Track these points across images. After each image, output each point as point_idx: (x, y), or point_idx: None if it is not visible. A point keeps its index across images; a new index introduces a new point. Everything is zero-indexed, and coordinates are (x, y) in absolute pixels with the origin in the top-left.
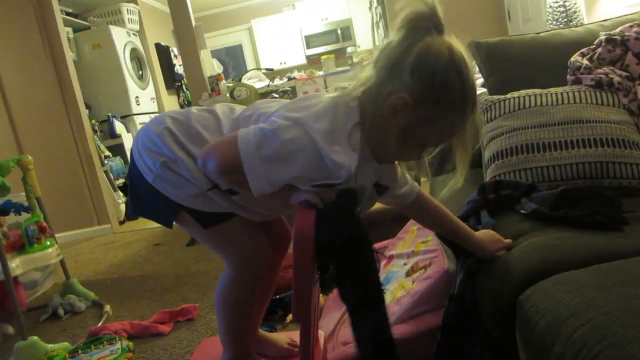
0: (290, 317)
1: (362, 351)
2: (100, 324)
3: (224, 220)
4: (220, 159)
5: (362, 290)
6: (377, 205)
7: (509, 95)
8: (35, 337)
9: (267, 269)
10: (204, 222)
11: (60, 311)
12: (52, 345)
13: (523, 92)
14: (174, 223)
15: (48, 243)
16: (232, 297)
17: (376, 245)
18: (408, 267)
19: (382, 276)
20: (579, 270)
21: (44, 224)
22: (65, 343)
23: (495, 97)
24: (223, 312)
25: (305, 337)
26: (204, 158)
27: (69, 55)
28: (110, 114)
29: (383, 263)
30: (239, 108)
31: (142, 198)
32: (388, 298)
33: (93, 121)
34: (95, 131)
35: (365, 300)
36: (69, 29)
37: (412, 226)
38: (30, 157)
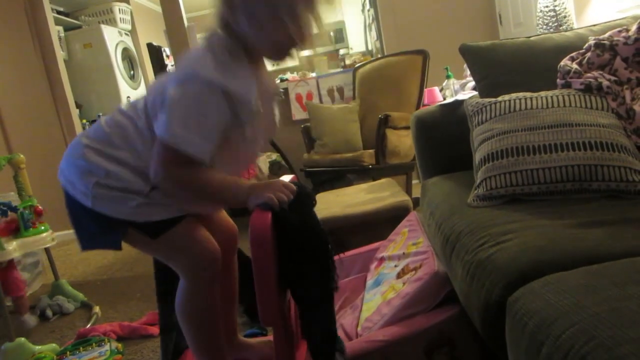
0: None
1: (314, 343)
2: (89, 325)
3: (171, 226)
4: (165, 166)
5: (322, 288)
6: (370, 207)
7: (499, 99)
8: (23, 339)
9: (219, 269)
10: (151, 233)
11: (49, 312)
12: (39, 347)
13: (514, 95)
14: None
15: (42, 228)
16: (194, 306)
17: (368, 248)
18: (399, 269)
19: (373, 278)
20: (568, 272)
21: (39, 207)
22: (53, 344)
23: (486, 100)
24: (189, 324)
25: (278, 340)
26: (155, 179)
27: (60, 55)
28: (101, 114)
29: (374, 265)
30: (139, 101)
31: (88, 230)
32: (379, 300)
33: (84, 121)
34: None
35: (325, 297)
36: (60, 28)
37: (403, 228)
38: (22, 155)
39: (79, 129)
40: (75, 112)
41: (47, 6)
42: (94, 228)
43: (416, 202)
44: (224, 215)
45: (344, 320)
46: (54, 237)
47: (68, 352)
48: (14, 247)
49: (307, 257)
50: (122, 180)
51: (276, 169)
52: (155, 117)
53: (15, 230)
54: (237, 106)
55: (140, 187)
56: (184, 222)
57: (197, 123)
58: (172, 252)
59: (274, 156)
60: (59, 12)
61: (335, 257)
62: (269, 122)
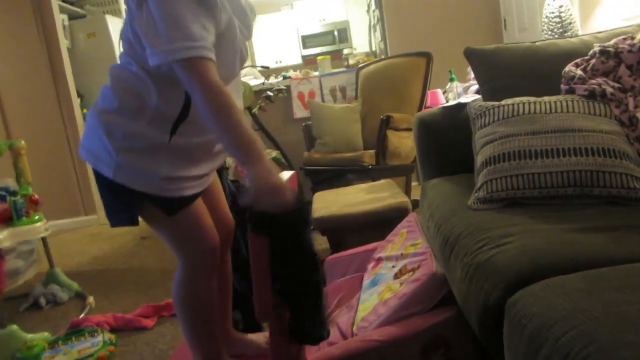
0: None
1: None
2: (82, 315)
3: (186, 206)
4: (194, 80)
5: (315, 297)
6: (369, 208)
7: (503, 102)
8: (15, 326)
9: (216, 260)
10: (169, 210)
11: (42, 301)
12: (31, 335)
13: (517, 99)
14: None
15: (37, 217)
16: (189, 294)
17: (365, 247)
18: (396, 270)
19: (370, 278)
20: (568, 275)
21: (35, 196)
22: (46, 333)
23: (490, 103)
24: (185, 312)
25: (274, 335)
26: (195, 95)
27: (64, 43)
28: None
29: (371, 265)
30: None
31: (111, 205)
32: (375, 300)
33: (84, 111)
34: None
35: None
36: (65, 16)
37: (402, 229)
38: (23, 141)
39: (79, 119)
40: (76, 101)
41: None
42: (116, 203)
43: (415, 204)
44: (225, 209)
45: (340, 319)
46: (47, 227)
47: (60, 342)
48: (4, 236)
49: (290, 272)
50: (141, 138)
51: None
52: (134, 52)
53: (8, 219)
54: None
55: (160, 139)
56: (196, 205)
57: (175, 29)
58: (179, 233)
59: (274, 153)
60: (63, 1)
61: (331, 257)
62: (238, 4)
